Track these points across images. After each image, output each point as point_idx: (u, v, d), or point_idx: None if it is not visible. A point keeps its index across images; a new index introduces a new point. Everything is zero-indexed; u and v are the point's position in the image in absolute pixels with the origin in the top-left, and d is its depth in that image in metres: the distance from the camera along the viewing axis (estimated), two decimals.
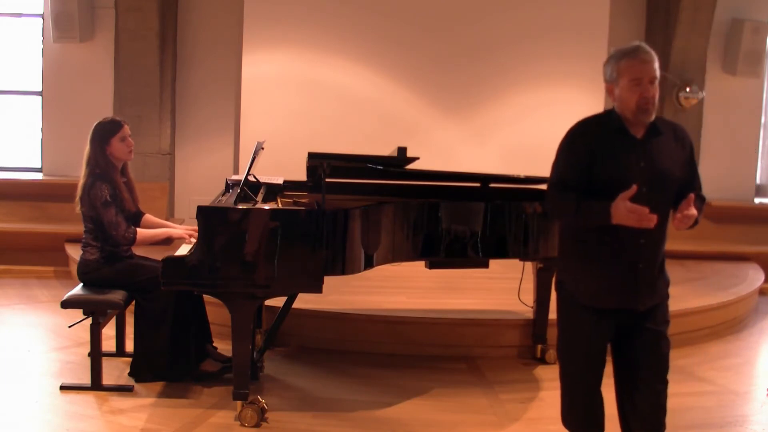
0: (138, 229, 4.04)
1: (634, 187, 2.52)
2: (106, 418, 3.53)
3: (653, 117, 2.70)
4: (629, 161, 2.67)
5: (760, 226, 7.53)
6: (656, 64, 2.66)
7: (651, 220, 2.51)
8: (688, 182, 2.77)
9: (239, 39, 7.16)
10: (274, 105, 7.15)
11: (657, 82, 2.66)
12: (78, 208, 4.04)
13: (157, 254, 3.87)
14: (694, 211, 2.60)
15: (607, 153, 2.69)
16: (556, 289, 2.97)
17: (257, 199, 3.93)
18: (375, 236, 3.69)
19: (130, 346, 4.28)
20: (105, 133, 4.02)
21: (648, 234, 2.65)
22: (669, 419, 3.44)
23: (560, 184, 2.74)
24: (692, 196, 2.59)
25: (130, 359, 4.11)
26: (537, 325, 4.58)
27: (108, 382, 3.91)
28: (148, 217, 4.33)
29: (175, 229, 4.19)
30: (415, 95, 7.31)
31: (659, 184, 2.67)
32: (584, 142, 2.72)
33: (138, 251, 4.24)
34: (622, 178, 2.63)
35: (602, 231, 2.67)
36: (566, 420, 3.01)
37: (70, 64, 7.19)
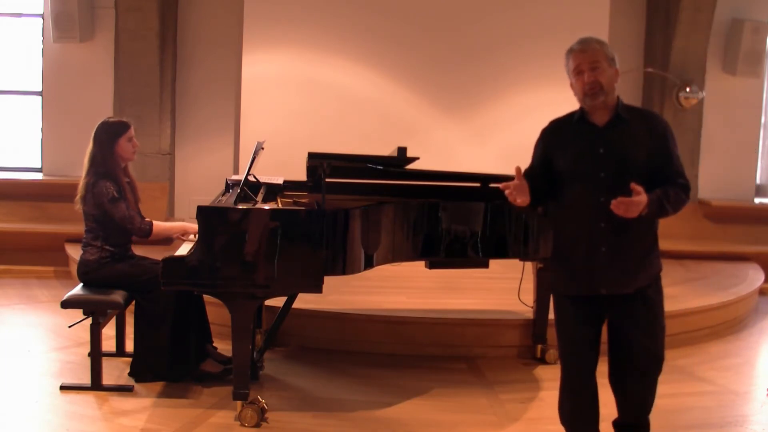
0: (154, 221, 4.04)
1: (518, 168, 2.74)
2: (106, 418, 3.53)
3: (601, 100, 2.78)
4: (587, 148, 2.79)
5: (760, 226, 7.52)
6: (598, 50, 2.79)
7: (509, 194, 2.72)
8: (661, 169, 2.79)
9: (239, 39, 7.16)
10: (274, 105, 7.14)
11: (603, 66, 2.78)
12: (78, 207, 4.04)
13: (157, 254, 3.88)
14: (641, 197, 2.62)
15: (568, 143, 2.84)
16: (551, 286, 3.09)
17: (257, 199, 3.93)
18: (375, 236, 3.69)
19: (130, 346, 4.28)
20: (113, 132, 4.04)
21: (610, 218, 2.71)
22: (669, 419, 3.44)
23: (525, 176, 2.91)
24: (633, 184, 2.62)
25: (130, 359, 4.11)
26: (537, 325, 4.58)
27: (108, 382, 3.91)
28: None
29: (191, 224, 4.17)
30: (415, 95, 7.31)
31: (620, 170, 2.73)
32: (547, 138, 2.94)
33: (138, 251, 4.24)
34: (578, 165, 2.78)
35: (566, 219, 2.83)
36: (560, 409, 3.06)
37: (70, 64, 7.19)
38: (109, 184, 3.94)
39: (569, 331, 2.92)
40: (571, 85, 2.90)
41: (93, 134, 4.06)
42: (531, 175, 2.86)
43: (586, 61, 2.78)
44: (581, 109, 2.87)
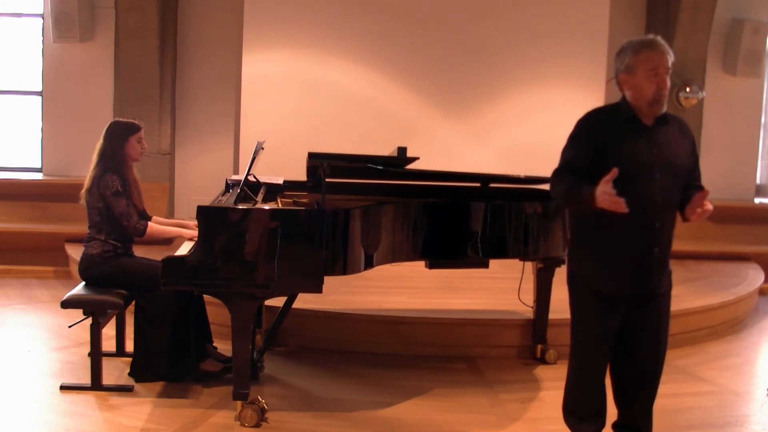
0: (149, 223, 4.08)
1: (615, 170, 2.58)
2: (106, 418, 3.53)
3: (665, 108, 2.78)
4: (641, 148, 2.75)
5: (760, 226, 7.52)
6: (671, 57, 2.75)
7: (619, 204, 2.56)
8: (691, 171, 2.86)
9: (239, 39, 7.16)
10: (274, 105, 7.15)
11: (670, 75, 2.76)
12: (83, 200, 4.07)
13: (157, 254, 3.88)
14: (710, 205, 2.71)
15: (619, 140, 2.76)
16: (568, 281, 2.99)
17: (257, 199, 3.93)
18: (375, 236, 3.69)
19: (130, 346, 4.28)
20: (124, 131, 4.12)
21: (662, 218, 2.75)
22: (669, 419, 3.44)
23: (563, 169, 2.80)
24: (707, 191, 2.69)
25: (130, 359, 4.10)
26: (537, 325, 4.57)
27: (108, 382, 3.91)
28: (156, 219, 4.34)
29: (187, 230, 4.19)
30: (415, 95, 7.30)
31: (670, 171, 2.74)
32: (593, 131, 2.80)
33: (138, 251, 4.24)
34: (635, 164, 2.72)
35: (621, 217, 2.70)
36: (570, 407, 3.03)
37: (70, 64, 7.19)
38: (115, 177, 3.99)
39: (596, 330, 2.89)
40: (624, 81, 2.78)
41: (104, 131, 4.13)
42: (579, 170, 2.74)
43: (666, 65, 2.71)
44: (628, 106, 2.80)
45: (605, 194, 2.57)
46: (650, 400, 2.95)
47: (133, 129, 4.14)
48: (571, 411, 3.02)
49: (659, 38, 2.76)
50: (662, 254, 2.79)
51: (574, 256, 2.97)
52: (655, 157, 2.73)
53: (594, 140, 2.77)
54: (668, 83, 2.73)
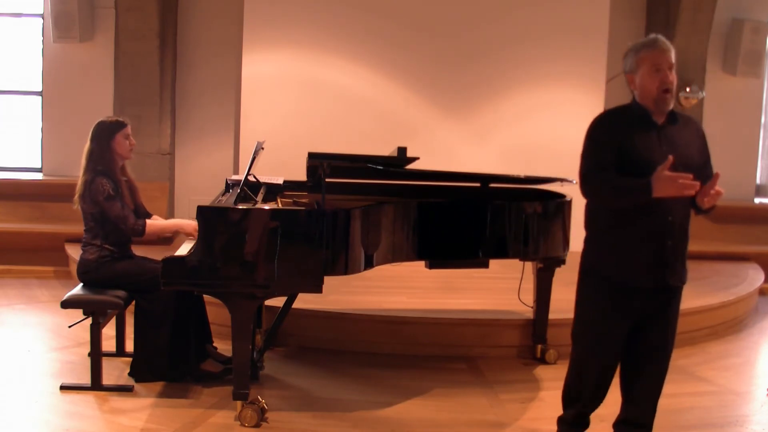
0: (147, 221, 4.06)
1: (671, 158, 2.65)
2: (106, 418, 3.53)
3: (672, 105, 2.85)
4: (653, 145, 2.82)
5: (760, 226, 7.52)
6: (673, 54, 2.83)
7: (694, 186, 2.62)
8: (702, 169, 2.90)
9: (239, 39, 7.16)
10: (274, 105, 7.14)
11: (673, 72, 2.83)
12: (76, 206, 4.05)
13: (157, 254, 3.88)
14: (721, 189, 2.74)
15: (633, 138, 2.83)
16: (582, 275, 3.01)
17: (257, 199, 3.93)
18: (375, 236, 3.69)
19: (130, 346, 4.28)
20: (109, 130, 4.07)
21: (675, 213, 2.81)
22: (669, 419, 3.45)
23: (597, 167, 2.83)
24: (718, 174, 2.74)
25: (130, 359, 4.11)
26: (537, 325, 4.58)
27: (108, 382, 3.91)
28: (155, 218, 4.32)
29: (186, 223, 4.16)
30: (416, 95, 7.30)
31: (680, 167, 2.75)
32: (612, 129, 2.87)
33: (138, 251, 4.24)
34: (648, 161, 2.76)
35: (634, 212, 2.79)
36: (573, 395, 3.06)
37: (70, 64, 7.19)
38: (105, 181, 3.95)
39: (606, 328, 2.92)
40: (630, 81, 2.89)
41: (90, 132, 4.09)
42: (610, 169, 2.79)
43: (667, 61, 2.82)
44: (639, 106, 2.88)
45: (669, 180, 2.61)
46: (656, 394, 3.00)
47: (119, 126, 4.08)
48: (573, 395, 3.08)
49: (660, 36, 2.85)
50: (675, 247, 2.85)
51: (591, 251, 2.98)
52: (664, 154, 2.77)
53: (614, 138, 2.84)
54: (673, 78, 2.81)
